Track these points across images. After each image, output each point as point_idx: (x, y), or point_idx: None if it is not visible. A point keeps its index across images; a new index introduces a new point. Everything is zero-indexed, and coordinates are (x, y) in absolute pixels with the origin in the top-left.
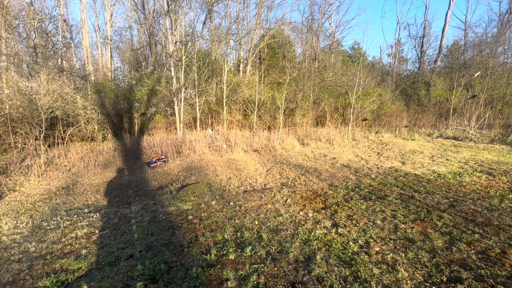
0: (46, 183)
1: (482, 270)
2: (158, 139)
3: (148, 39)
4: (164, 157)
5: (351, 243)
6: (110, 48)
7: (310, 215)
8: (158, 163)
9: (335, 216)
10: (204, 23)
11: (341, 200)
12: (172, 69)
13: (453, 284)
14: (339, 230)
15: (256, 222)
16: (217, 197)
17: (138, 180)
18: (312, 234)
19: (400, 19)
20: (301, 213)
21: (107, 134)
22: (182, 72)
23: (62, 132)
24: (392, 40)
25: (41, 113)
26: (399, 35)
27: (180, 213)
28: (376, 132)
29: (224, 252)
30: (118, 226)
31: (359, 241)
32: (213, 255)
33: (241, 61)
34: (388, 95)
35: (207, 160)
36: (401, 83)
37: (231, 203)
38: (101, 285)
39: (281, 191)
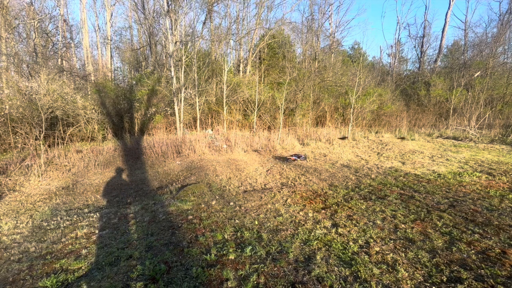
0: (46, 183)
1: (482, 270)
2: (158, 139)
3: (148, 39)
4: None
5: (351, 243)
6: (110, 48)
7: (310, 215)
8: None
9: (335, 216)
10: (204, 23)
11: (341, 200)
12: (172, 69)
13: (453, 284)
14: (339, 230)
15: (256, 222)
16: (217, 197)
17: (138, 180)
18: (312, 234)
19: (400, 19)
20: (301, 213)
21: (107, 134)
22: (182, 72)
23: (62, 132)
24: (392, 40)
25: (41, 113)
26: (399, 35)
27: (180, 213)
28: (376, 132)
29: (224, 252)
30: (118, 226)
31: (359, 241)
32: (213, 255)
33: (241, 61)
34: (388, 95)
35: (207, 160)
36: (401, 83)
37: (231, 203)
38: (101, 285)
39: (281, 191)
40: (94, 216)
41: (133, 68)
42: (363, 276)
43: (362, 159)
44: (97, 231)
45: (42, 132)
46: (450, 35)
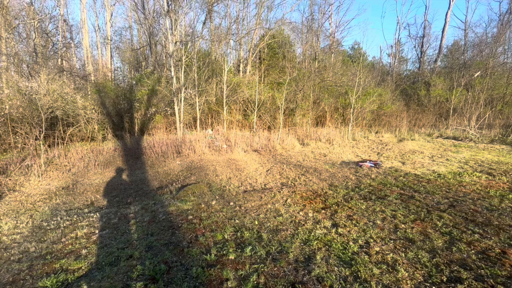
0: (46, 183)
1: (482, 270)
2: (158, 139)
3: (148, 39)
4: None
5: (351, 243)
6: (110, 48)
7: (310, 215)
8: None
9: (335, 216)
10: (204, 23)
11: (341, 200)
12: (172, 69)
13: (453, 284)
14: (339, 230)
15: (256, 222)
16: (217, 197)
17: (138, 180)
18: (312, 234)
19: (400, 19)
20: (301, 213)
21: (107, 134)
22: (182, 72)
23: (62, 132)
24: (392, 40)
25: (41, 113)
26: (399, 35)
27: (180, 213)
28: (376, 132)
29: (224, 252)
30: (118, 226)
31: (359, 241)
32: (213, 255)
33: (241, 61)
34: (388, 95)
35: (207, 160)
36: (401, 83)
37: (231, 203)
38: (101, 285)
39: (281, 191)
40: (94, 216)
41: (133, 68)
42: (363, 276)
43: (362, 159)
44: (97, 231)
45: (42, 132)
46: (450, 35)
